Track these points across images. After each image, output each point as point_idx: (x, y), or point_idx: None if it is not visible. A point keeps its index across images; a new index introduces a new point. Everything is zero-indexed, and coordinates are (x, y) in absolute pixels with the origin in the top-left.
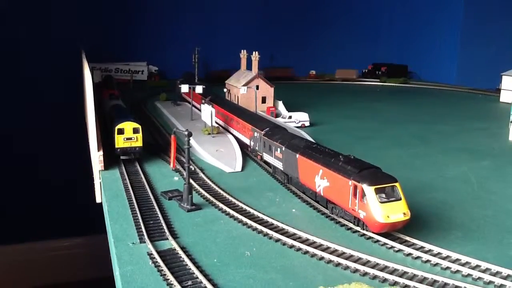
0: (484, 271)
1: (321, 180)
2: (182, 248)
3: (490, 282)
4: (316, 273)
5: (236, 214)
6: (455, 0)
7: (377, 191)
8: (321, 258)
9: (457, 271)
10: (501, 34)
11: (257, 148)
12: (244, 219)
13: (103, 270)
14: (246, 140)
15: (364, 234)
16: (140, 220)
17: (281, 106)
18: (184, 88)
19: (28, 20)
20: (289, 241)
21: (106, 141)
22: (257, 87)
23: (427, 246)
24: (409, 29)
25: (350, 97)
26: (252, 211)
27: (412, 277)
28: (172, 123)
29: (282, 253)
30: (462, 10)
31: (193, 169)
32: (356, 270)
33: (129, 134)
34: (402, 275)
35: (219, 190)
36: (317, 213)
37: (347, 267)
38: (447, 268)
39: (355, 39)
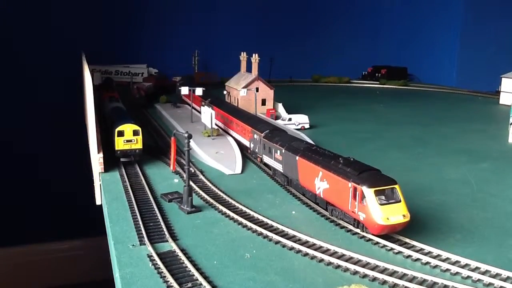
0: (483, 273)
1: (321, 182)
2: (182, 250)
3: (490, 284)
4: (316, 275)
5: (236, 216)
6: (455, 2)
7: (377, 193)
8: (321, 260)
9: (457, 273)
10: (500, 36)
11: (257, 150)
12: (244, 221)
13: (103, 272)
14: (246, 142)
15: (363, 236)
16: (140, 222)
17: (281, 108)
18: (184, 90)
19: (29, 22)
20: (289, 243)
21: (106, 143)
22: (257, 89)
23: (427, 248)
24: (409, 31)
25: (350, 99)
26: (252, 213)
27: (411, 279)
28: (172, 125)
29: (282, 255)
30: (461, 12)
31: (193, 171)
32: (355, 272)
33: (129, 136)
34: (402, 277)
35: (219, 192)
36: (317, 215)
37: (346, 269)
38: (447, 270)
39: (355, 42)
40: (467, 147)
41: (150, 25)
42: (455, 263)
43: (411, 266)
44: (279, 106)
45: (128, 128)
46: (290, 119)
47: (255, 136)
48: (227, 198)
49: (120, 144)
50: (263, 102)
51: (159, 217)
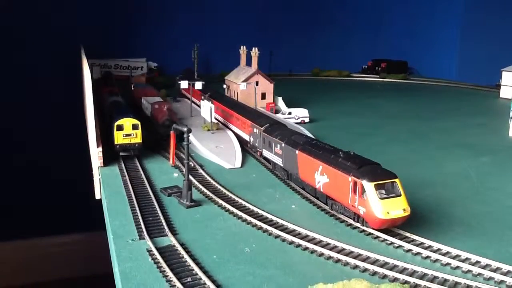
0: (484, 267)
1: (320, 176)
2: (182, 245)
3: (490, 278)
4: (316, 269)
5: (235, 211)
6: None
7: (377, 187)
8: (321, 254)
9: (457, 267)
10: (501, 29)
11: (256, 144)
12: (244, 216)
13: (103, 267)
14: (246, 137)
15: (364, 230)
16: (140, 217)
17: (280, 102)
18: (184, 84)
19: (28, 16)
20: (289, 237)
21: (105, 138)
22: (257, 83)
23: (427, 242)
24: (409, 25)
25: (349, 93)
26: (251, 207)
27: (412, 273)
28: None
29: (281, 250)
30: (462, 5)
31: (192, 165)
32: (356, 267)
33: (128, 131)
34: (402, 271)
35: (219, 187)
36: (317, 209)
37: (346, 263)
38: (447, 264)
39: (355, 35)
40: (467, 141)
41: (150, 18)
42: (455, 257)
43: (411, 260)
44: (279, 100)
45: (127, 122)
46: (290, 113)
47: (255, 130)
48: (227, 192)
49: (119, 138)
50: (263, 96)
51: (159, 212)
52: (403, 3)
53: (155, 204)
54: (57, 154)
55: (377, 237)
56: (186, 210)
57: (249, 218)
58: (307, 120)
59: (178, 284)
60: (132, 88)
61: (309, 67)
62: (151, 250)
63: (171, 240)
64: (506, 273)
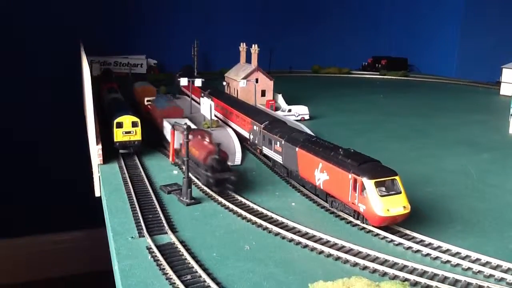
0: (484, 264)
1: (320, 173)
2: (181, 242)
3: (491, 276)
4: (316, 267)
5: (235, 208)
6: None
7: (377, 185)
8: (321, 252)
9: (457, 264)
10: (501, 26)
11: (256, 141)
12: (244, 213)
13: (102, 264)
14: (246, 134)
15: (364, 228)
16: (139, 214)
17: (280, 100)
18: (183, 81)
19: (27, 11)
20: (289, 234)
21: (105, 135)
22: (257, 81)
23: (427, 239)
24: (409, 22)
25: (350, 90)
26: (251, 204)
27: (412, 271)
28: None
29: (281, 247)
30: (462, 2)
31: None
32: (355, 264)
33: (128, 128)
34: (402, 269)
35: None
36: (317, 206)
37: (346, 261)
38: (447, 261)
39: (355, 32)
40: (467, 138)
41: (149, 15)
42: (455, 254)
43: (411, 258)
44: (278, 97)
45: (127, 120)
46: (289, 110)
47: (255, 127)
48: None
49: (119, 135)
50: (263, 93)
51: (158, 209)
52: (403, 0)
53: (155, 201)
54: (57, 153)
55: (377, 234)
56: (186, 208)
57: (249, 216)
58: (307, 117)
59: (177, 281)
60: (146, 103)
61: (309, 64)
62: (150, 248)
63: (170, 237)
64: (506, 271)
